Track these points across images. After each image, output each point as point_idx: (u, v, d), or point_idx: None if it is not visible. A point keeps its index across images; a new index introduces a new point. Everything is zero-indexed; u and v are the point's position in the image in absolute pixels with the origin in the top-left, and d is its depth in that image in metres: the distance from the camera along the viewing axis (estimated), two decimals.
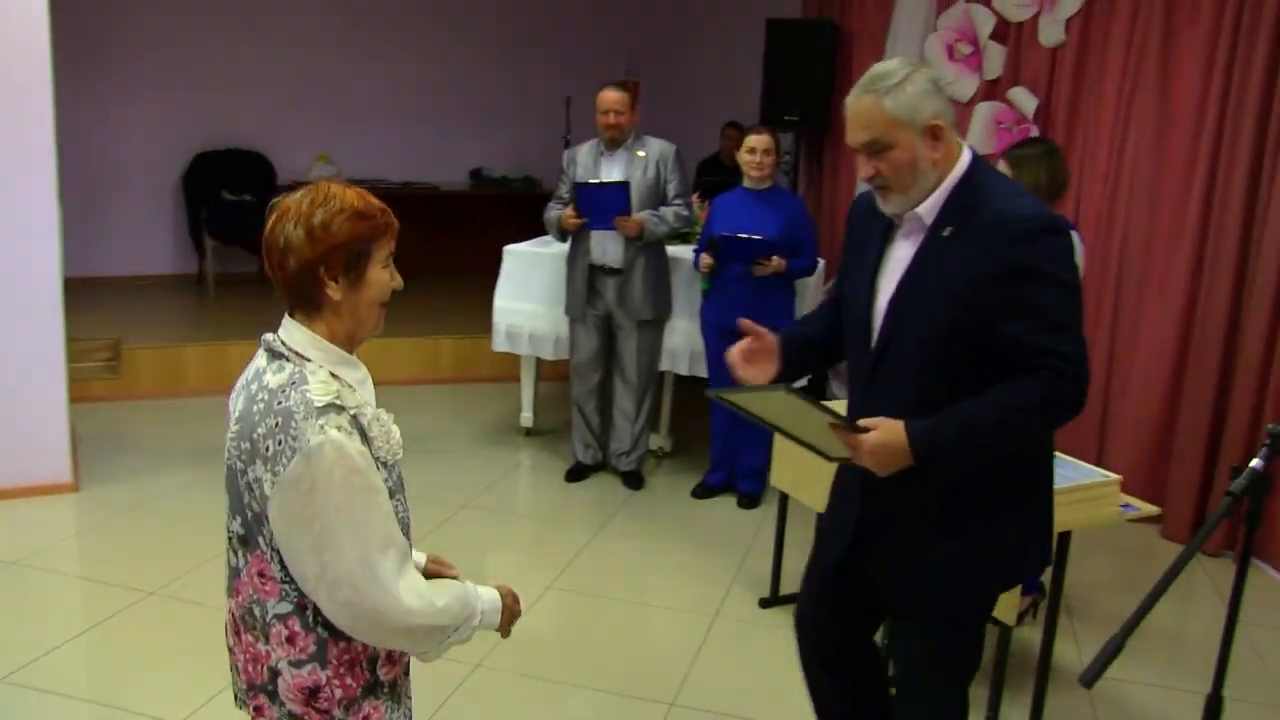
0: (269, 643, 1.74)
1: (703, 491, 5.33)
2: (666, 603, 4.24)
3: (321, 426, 1.62)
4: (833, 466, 2.40)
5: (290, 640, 1.73)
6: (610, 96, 5.02)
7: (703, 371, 5.37)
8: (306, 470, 1.61)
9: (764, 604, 4.21)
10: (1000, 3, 5.77)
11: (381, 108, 9.20)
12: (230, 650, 1.85)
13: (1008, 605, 3.20)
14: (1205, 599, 4.46)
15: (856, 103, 2.14)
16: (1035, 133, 5.62)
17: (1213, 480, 4.90)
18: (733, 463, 5.29)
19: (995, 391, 2.07)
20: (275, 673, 1.75)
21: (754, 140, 4.88)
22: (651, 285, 5.14)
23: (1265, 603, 4.46)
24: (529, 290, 5.68)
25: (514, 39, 9.61)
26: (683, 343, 5.46)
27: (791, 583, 3.98)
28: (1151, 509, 3.30)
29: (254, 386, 1.72)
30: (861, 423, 2.10)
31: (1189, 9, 4.96)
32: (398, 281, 1.85)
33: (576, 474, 5.46)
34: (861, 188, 2.38)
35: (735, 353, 2.40)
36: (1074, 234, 3.93)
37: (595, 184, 4.96)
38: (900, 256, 2.24)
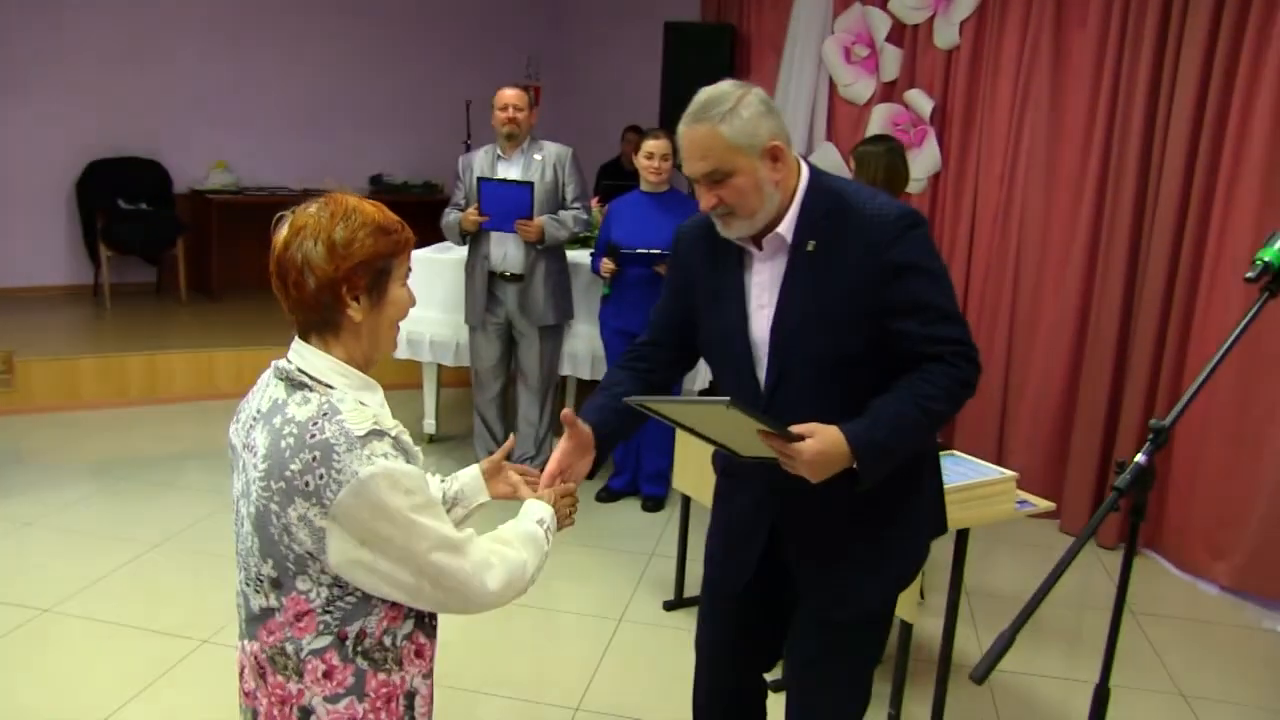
0: (303, 680, 1.65)
1: (607, 496, 5.29)
2: (571, 607, 4.19)
3: (369, 457, 1.55)
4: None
5: (328, 675, 1.66)
6: (509, 94, 5.00)
7: (602, 374, 5.31)
8: (364, 502, 1.54)
9: (668, 607, 4.18)
10: (896, 5, 5.84)
11: (280, 114, 9.01)
12: (247, 695, 1.75)
13: (909, 601, 3.20)
14: (1103, 591, 4.54)
15: (691, 132, 2.06)
16: (931, 134, 5.69)
17: (1108, 475, 5.01)
18: (636, 466, 5.27)
19: (909, 385, 2.08)
20: (308, 711, 1.67)
21: (651, 145, 4.86)
22: (552, 290, 5.09)
23: (1159, 593, 4.57)
24: (429, 297, 5.57)
25: (414, 42, 9.49)
26: (584, 347, 5.42)
27: (695, 585, 3.94)
28: (1047, 504, 3.33)
29: (277, 421, 1.61)
30: (795, 429, 2.03)
31: (1077, 11, 5.07)
32: (414, 299, 1.77)
33: None
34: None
35: (551, 472, 2.18)
36: None
37: (499, 180, 4.91)
38: (764, 281, 2.18)
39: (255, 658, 1.70)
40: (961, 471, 3.21)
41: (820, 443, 2.00)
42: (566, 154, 5.08)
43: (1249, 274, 1.97)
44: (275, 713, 1.68)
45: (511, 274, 5.06)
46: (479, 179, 4.94)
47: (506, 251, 5.04)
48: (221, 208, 8.38)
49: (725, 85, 2.07)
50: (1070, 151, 5.12)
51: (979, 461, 3.38)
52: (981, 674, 1.72)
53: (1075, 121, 5.08)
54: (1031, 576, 4.67)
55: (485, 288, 5.09)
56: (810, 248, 2.11)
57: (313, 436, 1.56)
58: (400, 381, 6.76)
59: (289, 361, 1.66)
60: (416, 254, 5.63)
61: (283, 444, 1.58)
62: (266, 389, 1.68)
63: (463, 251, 5.28)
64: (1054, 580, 1.84)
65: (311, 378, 1.63)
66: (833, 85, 6.24)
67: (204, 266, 8.53)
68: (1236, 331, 1.95)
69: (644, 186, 4.94)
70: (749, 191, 2.07)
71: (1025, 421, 5.34)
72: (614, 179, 7.37)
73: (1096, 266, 5.03)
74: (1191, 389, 1.92)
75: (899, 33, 5.90)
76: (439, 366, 5.86)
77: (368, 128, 9.39)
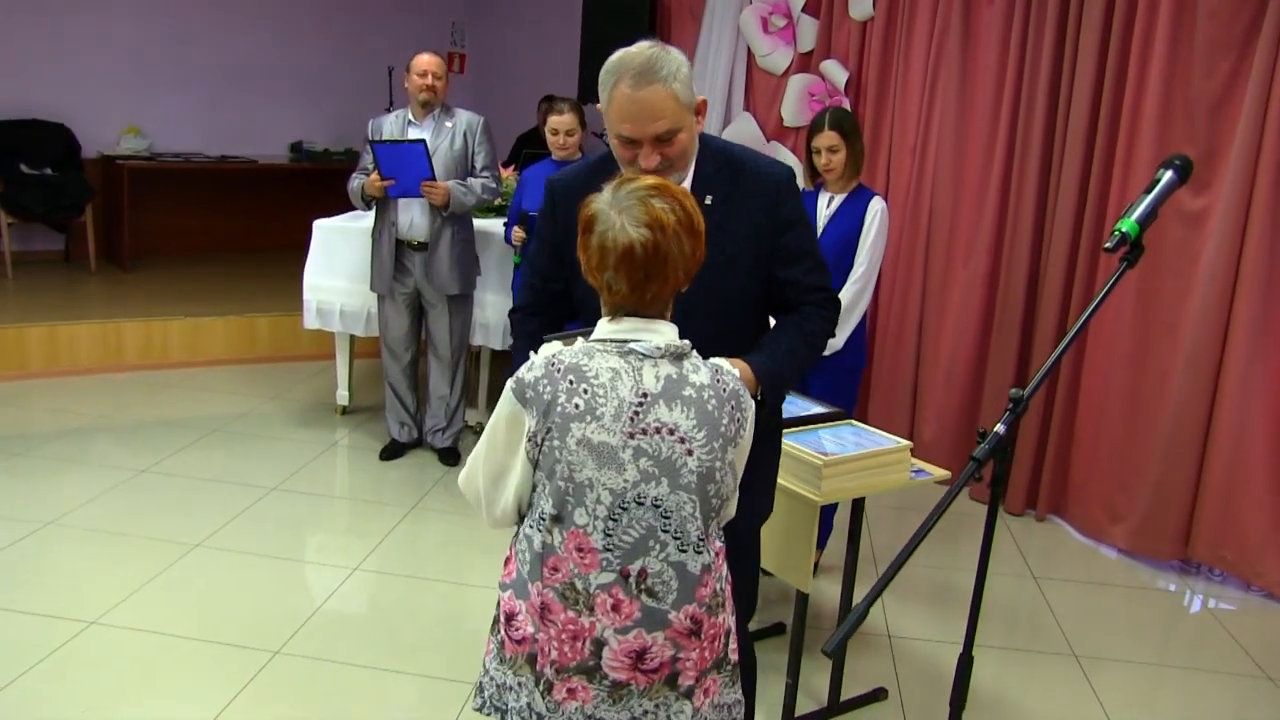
0: (594, 613, 1.84)
1: None
2: (484, 580, 4.17)
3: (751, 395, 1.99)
4: None
5: (615, 608, 1.85)
6: (427, 59, 4.97)
7: None
8: (751, 430, 1.95)
9: None
10: None
11: (195, 77, 8.82)
12: (525, 640, 1.92)
13: (802, 571, 3.24)
14: (1009, 558, 4.62)
15: (645, 94, 2.12)
16: (846, 103, 5.72)
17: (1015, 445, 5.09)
18: None
19: (795, 323, 2.33)
20: (601, 643, 1.85)
21: (554, 121, 4.86)
22: (458, 258, 5.05)
23: (1062, 558, 4.67)
24: (338, 266, 5.53)
25: (336, 6, 9.34)
26: (496, 318, 5.40)
27: None
28: (942, 473, 3.38)
29: (688, 391, 1.85)
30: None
31: None
32: None
33: (392, 452, 5.36)
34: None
35: None
36: (883, 203, 4.01)
37: (390, 141, 4.85)
38: None
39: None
40: (858, 441, 3.24)
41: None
42: (478, 121, 5.05)
43: (1107, 244, 2.01)
44: (566, 649, 1.86)
45: (418, 242, 5.02)
46: (370, 142, 4.90)
47: (413, 219, 5.00)
48: (134, 174, 8.19)
49: (651, 46, 2.18)
50: (979, 124, 5.17)
51: (876, 431, 3.42)
52: (832, 648, 1.75)
53: (984, 94, 5.14)
54: (932, 543, 4.74)
55: (392, 256, 5.04)
56: (708, 201, 2.26)
57: (725, 389, 1.88)
58: (316, 353, 6.72)
59: (657, 344, 1.84)
60: (327, 222, 5.64)
61: (709, 406, 1.85)
62: (638, 373, 1.83)
63: (371, 220, 5.22)
64: (914, 546, 1.87)
65: (686, 347, 1.88)
66: (751, 55, 6.24)
67: (115, 235, 8.35)
68: (1094, 303, 1.99)
69: (555, 156, 4.94)
70: (688, 147, 2.22)
71: (937, 393, 5.41)
72: (534, 148, 7.31)
73: (1004, 239, 5.10)
74: (1049, 360, 1.96)
75: (815, 3, 5.91)
76: (351, 337, 5.80)
77: (288, 93, 9.25)
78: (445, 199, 4.88)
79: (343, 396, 5.94)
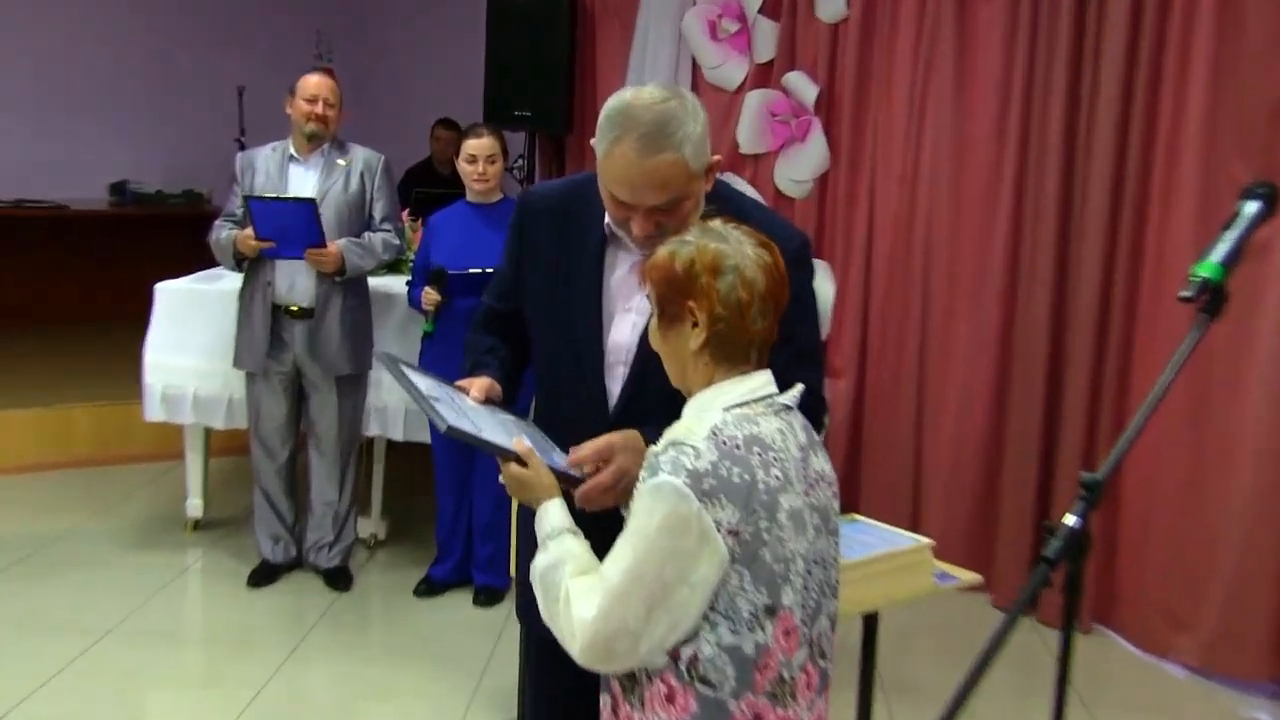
0: (796, 700, 2.08)
1: (428, 588, 5.24)
2: None
3: None
4: None
5: (807, 684, 2.12)
6: (318, 81, 4.99)
7: (422, 435, 5.31)
8: None
9: None
10: None
11: None
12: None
13: None
14: (1049, 678, 4.63)
15: (652, 164, 2.22)
16: (817, 125, 5.83)
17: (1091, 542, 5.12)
18: (465, 549, 5.24)
19: None
20: None
21: (473, 146, 4.88)
22: (350, 329, 5.04)
23: (1116, 678, 4.70)
24: (191, 340, 5.46)
25: (169, 12, 9.33)
26: (396, 400, 5.37)
27: None
28: (972, 577, 3.41)
29: (815, 439, 2.17)
30: (586, 451, 2.27)
31: None
32: None
33: (264, 576, 5.28)
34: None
35: None
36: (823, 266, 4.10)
37: (272, 199, 4.84)
38: (636, 281, 2.38)
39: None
40: (865, 541, 3.25)
41: (628, 462, 2.24)
42: (377, 162, 5.08)
43: (1185, 292, 2.07)
44: None
45: (300, 308, 4.99)
46: (245, 198, 4.87)
47: (294, 280, 4.97)
48: None
49: (666, 98, 2.25)
50: (982, 143, 5.28)
51: (886, 528, 3.44)
52: None
53: (987, 107, 5.26)
54: (959, 665, 4.73)
55: (267, 325, 4.99)
56: None
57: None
58: (157, 452, 6.63)
59: (793, 394, 2.12)
60: (174, 285, 5.59)
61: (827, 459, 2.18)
62: (791, 428, 2.10)
63: (232, 281, 5.19)
64: (981, 671, 1.90)
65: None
66: (697, 68, 6.33)
67: None
68: (1173, 366, 2.03)
69: (470, 196, 4.96)
70: (691, 214, 2.30)
71: (943, 475, 5.46)
72: (425, 185, 7.34)
73: (1019, 283, 5.19)
74: (1126, 435, 2.00)
75: (775, 3, 6.02)
76: (206, 431, 5.73)
77: (109, 122, 9.20)
78: (337, 265, 4.88)
79: (195, 507, 5.84)
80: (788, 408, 2.11)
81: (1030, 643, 4.91)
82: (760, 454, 1.99)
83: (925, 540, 3.31)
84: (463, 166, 4.91)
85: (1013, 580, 5.19)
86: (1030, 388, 5.13)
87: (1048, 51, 5.03)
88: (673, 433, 2.02)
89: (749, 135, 6.08)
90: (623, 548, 1.99)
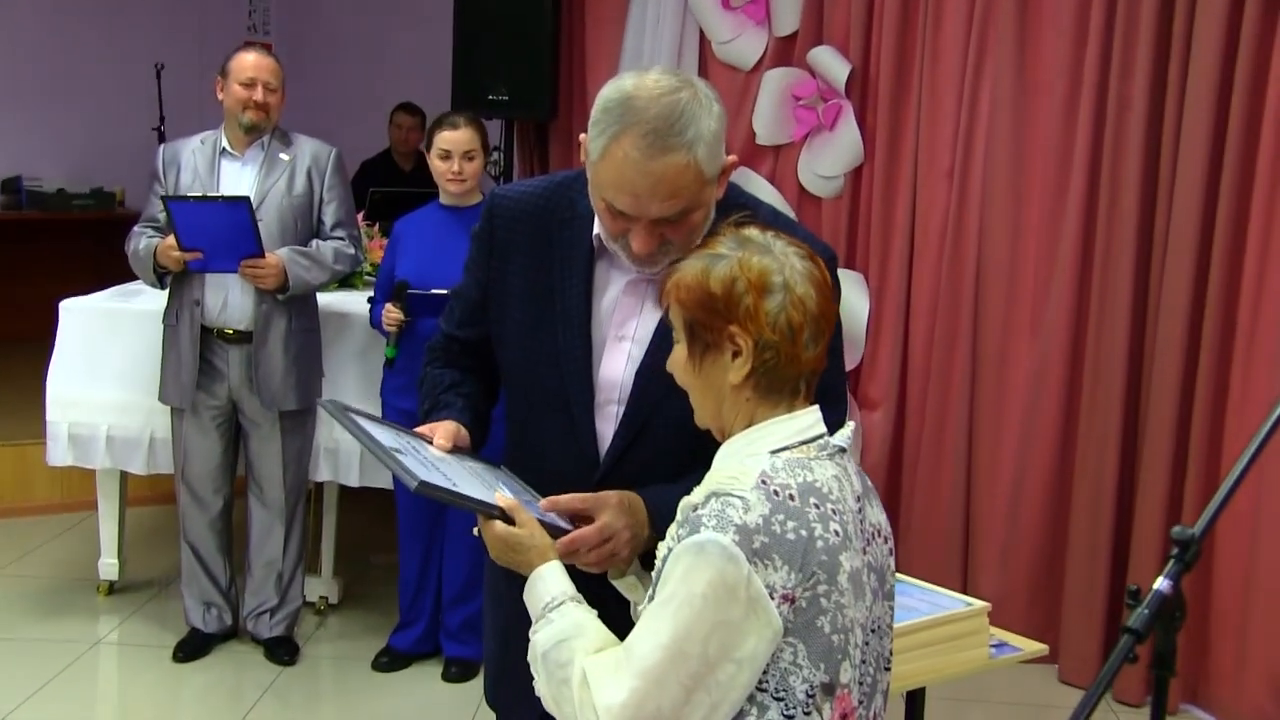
0: None
1: (390, 661, 5.25)
2: None
3: None
4: None
5: None
6: (255, 59, 4.99)
7: (382, 480, 5.32)
8: None
9: None
10: None
11: None
12: None
13: None
14: None
15: (659, 166, 2.21)
16: (849, 111, 5.86)
17: (1121, 601, 5.13)
18: (433, 614, 5.24)
19: None
20: None
21: (447, 139, 4.87)
22: (296, 357, 5.04)
23: None
24: (103, 368, 5.47)
25: None
26: (350, 440, 5.33)
27: None
28: (1037, 647, 3.42)
29: (861, 486, 2.15)
30: (565, 499, 2.29)
31: None
32: None
33: (193, 648, 5.27)
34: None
35: None
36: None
37: (196, 199, 4.83)
38: (631, 304, 2.43)
39: None
40: (909, 605, 3.26)
41: (634, 528, 2.28)
42: (328, 156, 5.09)
43: None
44: None
45: (235, 331, 5.00)
46: (165, 199, 4.84)
47: (227, 298, 4.97)
48: None
49: (675, 86, 2.24)
50: (1048, 132, 5.30)
51: (932, 588, 3.46)
52: None
53: (1054, 89, 5.27)
54: None
55: (196, 351, 4.99)
56: None
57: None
58: (57, 502, 6.63)
59: (825, 432, 2.12)
60: (82, 303, 5.60)
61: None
62: (847, 474, 2.12)
63: (153, 297, 5.21)
64: None
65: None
66: (705, 43, 6.37)
67: None
68: None
69: (443, 199, 4.97)
70: (700, 226, 2.30)
71: (998, 528, 5.46)
72: (385, 182, 7.36)
73: (1089, 301, 5.20)
74: (1227, 483, 2.03)
75: None
76: (124, 477, 5.75)
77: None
78: (279, 281, 4.86)
79: (110, 567, 5.84)
80: (841, 450, 2.11)
81: None
82: (817, 506, 1.99)
83: (980, 604, 3.32)
84: (435, 163, 4.90)
85: (1082, 651, 5.19)
86: (1104, 425, 5.13)
87: (1127, 22, 5.03)
88: (712, 482, 2.01)
89: (768, 123, 6.11)
90: (658, 619, 1.97)
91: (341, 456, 5.45)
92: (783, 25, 6.10)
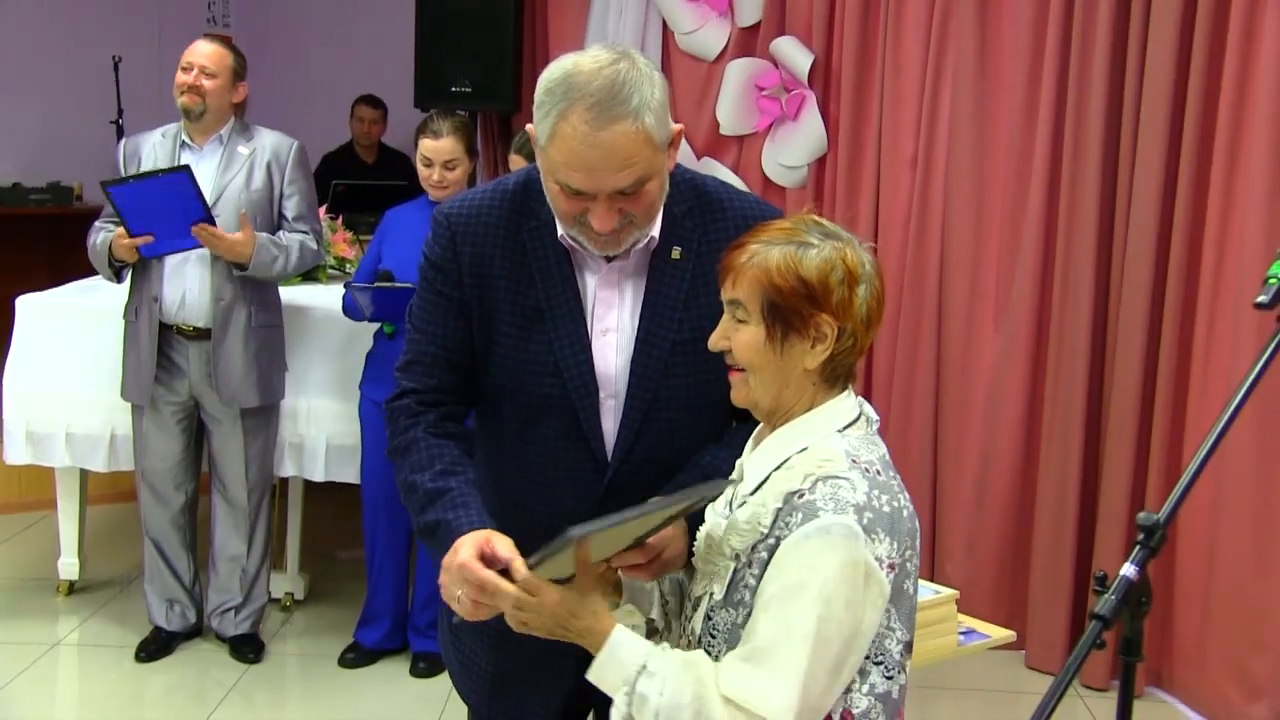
0: None
1: (356, 657, 5.25)
2: None
3: None
4: None
5: None
6: (198, 47, 4.99)
7: (347, 474, 5.34)
8: None
9: None
10: None
11: None
12: None
13: None
14: None
15: (608, 136, 2.21)
16: (812, 101, 5.88)
17: (1088, 585, 5.16)
18: (401, 610, 5.25)
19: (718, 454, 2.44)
20: None
21: (429, 148, 4.86)
22: (257, 353, 5.03)
23: None
24: (62, 365, 5.46)
25: None
26: (315, 434, 5.41)
27: None
28: (1004, 634, 3.45)
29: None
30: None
31: None
32: None
33: (156, 648, 5.26)
34: None
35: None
36: None
37: (133, 178, 4.78)
38: (608, 298, 2.43)
39: None
40: None
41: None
42: (288, 149, 5.08)
43: (1260, 298, 2.14)
44: None
45: (194, 328, 4.99)
46: (103, 185, 4.77)
47: (185, 292, 4.97)
48: None
49: (615, 59, 2.25)
50: (1010, 121, 5.34)
51: None
52: None
53: (1014, 79, 5.31)
54: None
55: (155, 347, 4.98)
56: (676, 255, 2.38)
57: None
58: (15, 500, 6.60)
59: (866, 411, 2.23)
60: (39, 299, 5.58)
61: None
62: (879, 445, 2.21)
63: (111, 292, 5.20)
64: None
65: None
66: (668, 33, 6.39)
67: None
68: (1246, 384, 2.10)
69: (432, 196, 4.95)
70: (657, 196, 2.32)
71: (965, 517, 5.50)
72: (348, 175, 7.34)
73: (1052, 287, 5.24)
74: (1190, 468, 2.05)
75: None
76: (83, 475, 5.73)
77: None
78: (242, 252, 4.79)
79: (69, 567, 5.82)
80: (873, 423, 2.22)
81: (1072, 709, 4.97)
82: (896, 477, 2.13)
83: (947, 591, 3.34)
84: (419, 167, 4.92)
85: (1049, 637, 5.24)
86: (1068, 413, 5.17)
87: (1087, 12, 5.06)
88: (807, 466, 2.06)
89: (731, 113, 6.14)
90: (792, 609, 1.98)
91: (306, 452, 5.45)
92: (745, 16, 6.14)
